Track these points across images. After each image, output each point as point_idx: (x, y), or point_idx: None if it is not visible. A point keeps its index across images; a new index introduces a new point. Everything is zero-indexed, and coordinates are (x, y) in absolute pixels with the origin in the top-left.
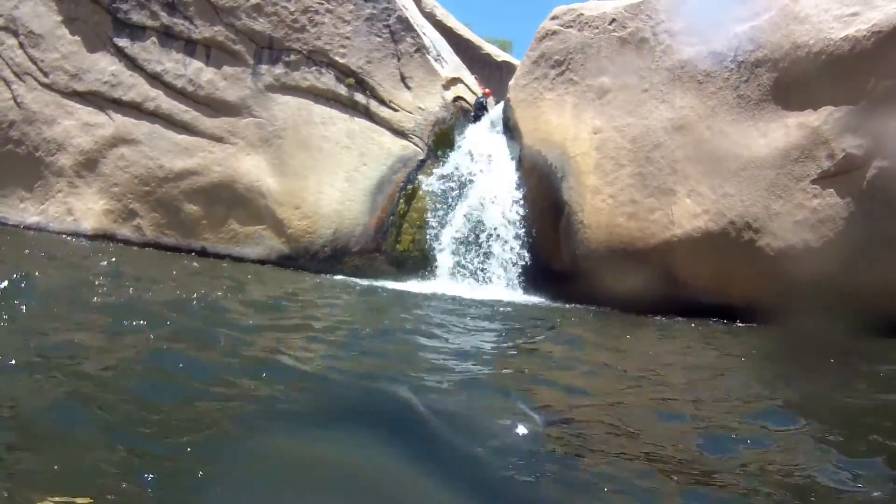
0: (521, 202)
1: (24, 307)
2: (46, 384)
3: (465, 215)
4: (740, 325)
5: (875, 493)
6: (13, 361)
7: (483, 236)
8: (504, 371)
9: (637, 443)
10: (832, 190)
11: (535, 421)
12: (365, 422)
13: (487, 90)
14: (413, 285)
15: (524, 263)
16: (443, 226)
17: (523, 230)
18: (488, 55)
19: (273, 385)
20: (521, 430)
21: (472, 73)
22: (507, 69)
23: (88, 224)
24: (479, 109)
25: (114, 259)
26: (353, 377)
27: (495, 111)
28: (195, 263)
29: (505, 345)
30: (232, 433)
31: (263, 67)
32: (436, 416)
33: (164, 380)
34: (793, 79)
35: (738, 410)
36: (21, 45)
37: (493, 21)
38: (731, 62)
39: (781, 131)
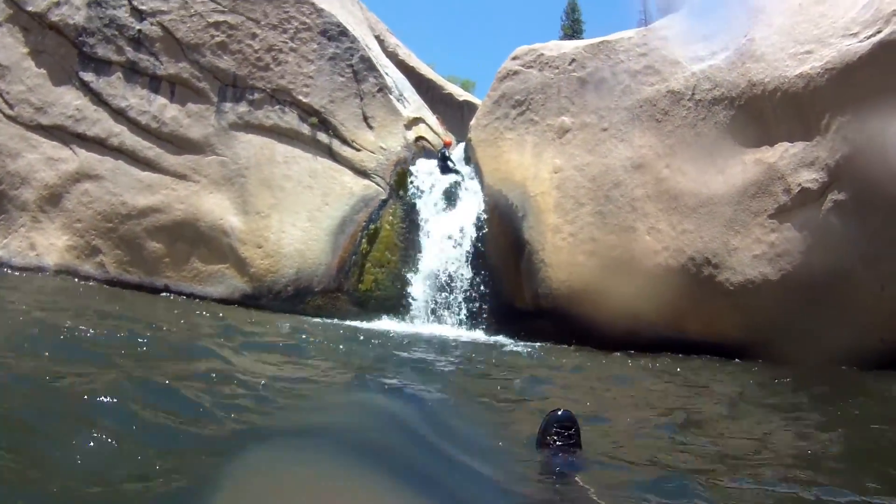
0: (483, 241)
1: None
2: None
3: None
4: (701, 359)
5: None
6: None
7: (444, 275)
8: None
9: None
10: (789, 224)
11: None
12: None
13: (448, 139)
14: (375, 324)
15: (482, 302)
16: (405, 265)
17: (485, 269)
18: (450, 95)
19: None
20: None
21: (434, 113)
22: (468, 108)
23: (51, 260)
24: (443, 161)
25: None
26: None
27: (456, 152)
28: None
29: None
30: (233, 449)
31: (227, 105)
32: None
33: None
34: (749, 116)
35: None
36: None
37: (456, 61)
38: (689, 101)
39: (739, 168)
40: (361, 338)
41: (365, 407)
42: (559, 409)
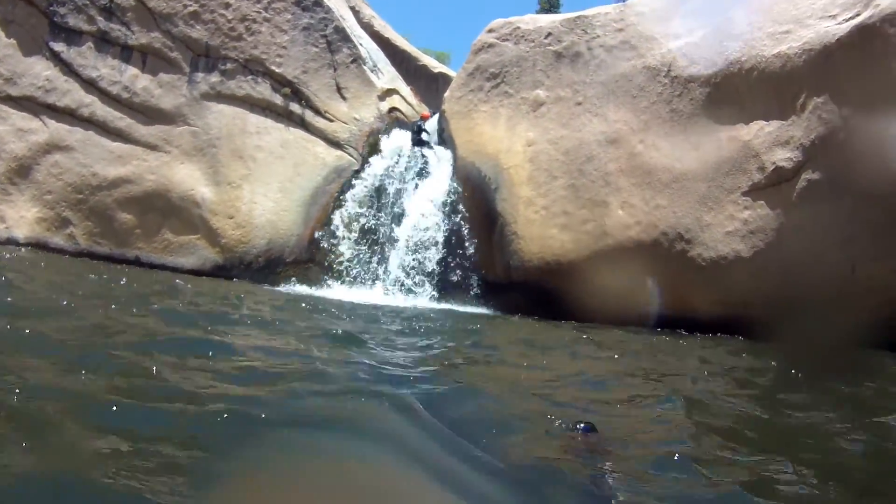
0: (455, 213)
1: None
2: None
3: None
4: (674, 334)
5: None
6: None
7: (416, 247)
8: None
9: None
10: (763, 202)
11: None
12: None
13: (426, 113)
14: (345, 295)
15: (454, 274)
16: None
17: (456, 241)
18: (425, 66)
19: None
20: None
21: (409, 85)
22: (443, 80)
23: (21, 232)
24: (418, 133)
25: None
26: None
27: (430, 124)
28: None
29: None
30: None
31: (199, 75)
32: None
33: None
34: (725, 94)
35: None
36: None
37: (432, 33)
38: (665, 77)
39: (713, 145)
40: (334, 310)
41: (364, 395)
42: (581, 423)
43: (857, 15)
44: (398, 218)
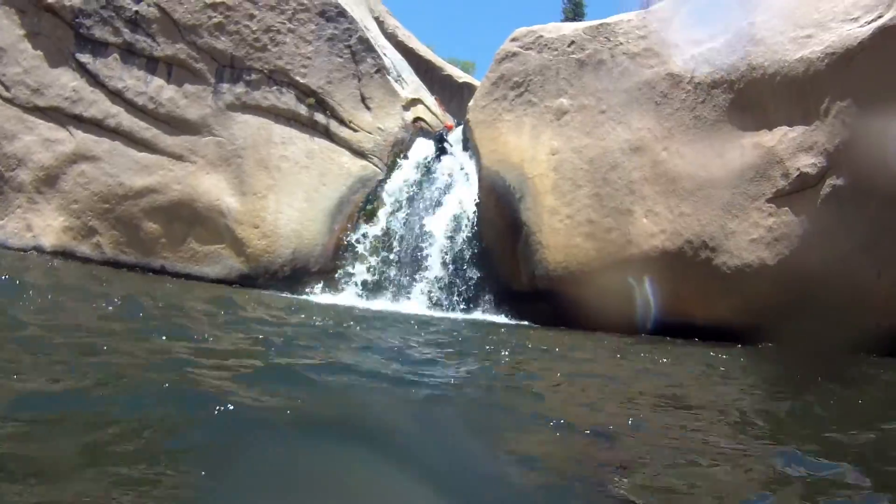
0: (479, 223)
1: None
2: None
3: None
4: (699, 343)
5: None
6: None
7: (442, 257)
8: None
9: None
10: (787, 208)
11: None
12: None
13: (450, 123)
14: (369, 304)
15: (480, 283)
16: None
17: (480, 250)
18: (449, 76)
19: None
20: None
21: (434, 94)
22: (468, 90)
23: (47, 241)
24: (440, 142)
25: None
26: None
27: (455, 134)
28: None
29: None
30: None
31: (224, 86)
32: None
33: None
34: (748, 100)
35: None
36: None
37: (457, 42)
38: (688, 84)
39: (737, 151)
40: (363, 320)
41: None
42: None
43: (880, 17)
44: (422, 228)
